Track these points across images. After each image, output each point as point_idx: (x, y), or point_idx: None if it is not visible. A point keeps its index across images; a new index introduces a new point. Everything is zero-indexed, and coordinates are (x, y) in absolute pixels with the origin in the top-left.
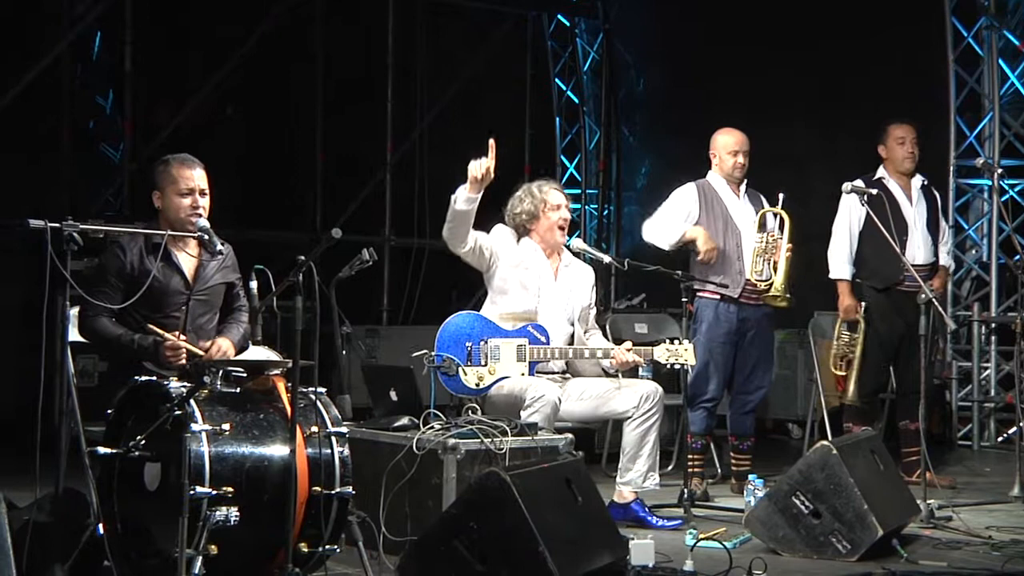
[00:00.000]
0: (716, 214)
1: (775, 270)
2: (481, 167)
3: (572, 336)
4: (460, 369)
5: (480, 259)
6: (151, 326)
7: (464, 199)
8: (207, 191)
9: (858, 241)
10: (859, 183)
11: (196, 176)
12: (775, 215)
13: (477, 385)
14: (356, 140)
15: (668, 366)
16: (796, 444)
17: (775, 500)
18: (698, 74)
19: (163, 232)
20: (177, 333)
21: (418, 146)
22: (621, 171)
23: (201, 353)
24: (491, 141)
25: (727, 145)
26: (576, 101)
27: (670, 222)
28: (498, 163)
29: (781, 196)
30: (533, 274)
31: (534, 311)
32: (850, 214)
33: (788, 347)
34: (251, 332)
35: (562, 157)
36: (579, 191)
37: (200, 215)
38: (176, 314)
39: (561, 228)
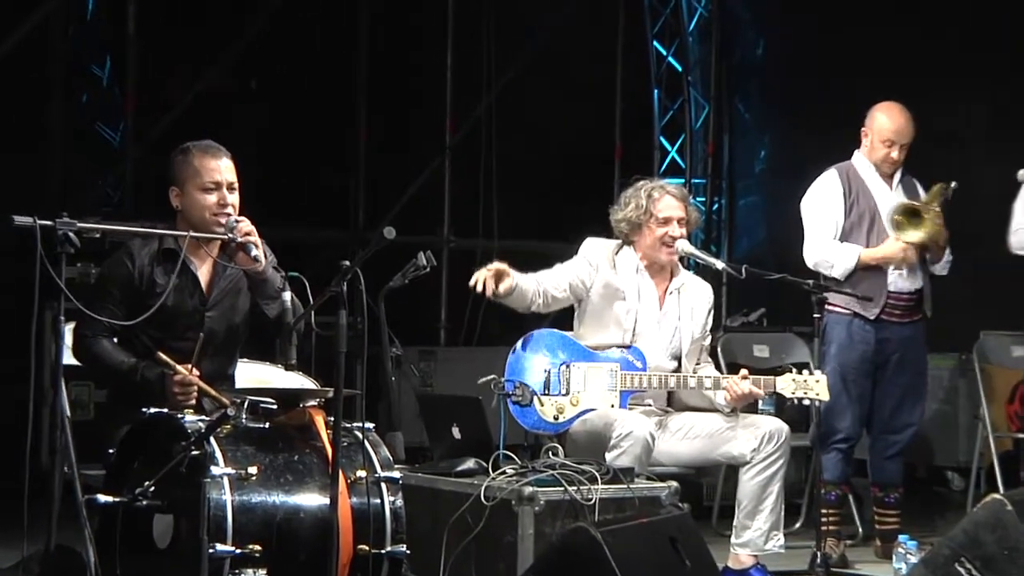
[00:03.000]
0: (862, 208)
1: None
2: (479, 281)
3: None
4: (536, 399)
5: (564, 301)
6: (161, 354)
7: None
8: (236, 185)
9: None
10: None
11: (223, 167)
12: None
13: (556, 419)
14: (407, 116)
15: (794, 401)
16: (957, 497)
17: (933, 568)
18: (833, 34)
19: (183, 233)
20: (190, 367)
21: (484, 124)
22: (735, 155)
23: (216, 395)
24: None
25: (883, 130)
26: (679, 69)
27: (831, 238)
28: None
29: (953, 186)
30: (630, 303)
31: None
32: None
33: (946, 375)
34: (284, 353)
35: (661, 138)
36: (682, 180)
37: (229, 214)
38: (190, 337)
39: (668, 245)
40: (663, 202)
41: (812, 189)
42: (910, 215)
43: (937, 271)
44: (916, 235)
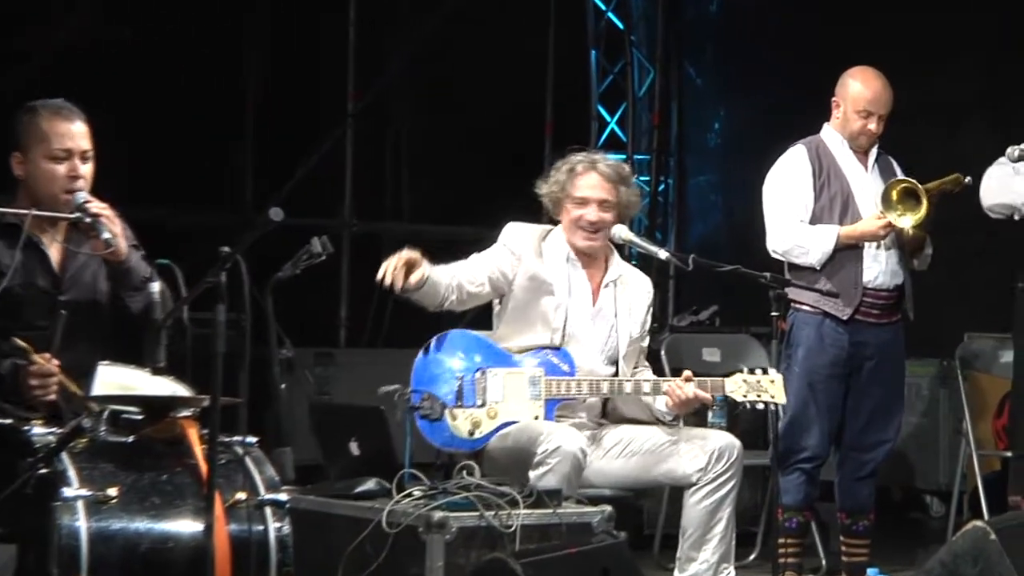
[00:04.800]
0: (833, 190)
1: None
2: (387, 273)
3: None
4: (448, 412)
5: (482, 296)
6: (17, 340)
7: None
8: (90, 154)
9: None
10: None
11: (76, 133)
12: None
13: (472, 434)
14: (303, 81)
15: (746, 406)
16: (937, 524)
17: None
18: None
19: (24, 212)
20: (48, 356)
21: (393, 89)
22: (685, 127)
23: (78, 392)
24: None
25: (858, 98)
26: (620, 27)
27: (802, 220)
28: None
29: (967, 181)
30: (559, 298)
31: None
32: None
33: (925, 384)
34: (151, 355)
35: (599, 107)
36: (624, 156)
37: (80, 188)
38: (42, 324)
39: (583, 230)
40: (584, 179)
41: (776, 167)
42: (906, 195)
43: (915, 266)
44: (907, 220)
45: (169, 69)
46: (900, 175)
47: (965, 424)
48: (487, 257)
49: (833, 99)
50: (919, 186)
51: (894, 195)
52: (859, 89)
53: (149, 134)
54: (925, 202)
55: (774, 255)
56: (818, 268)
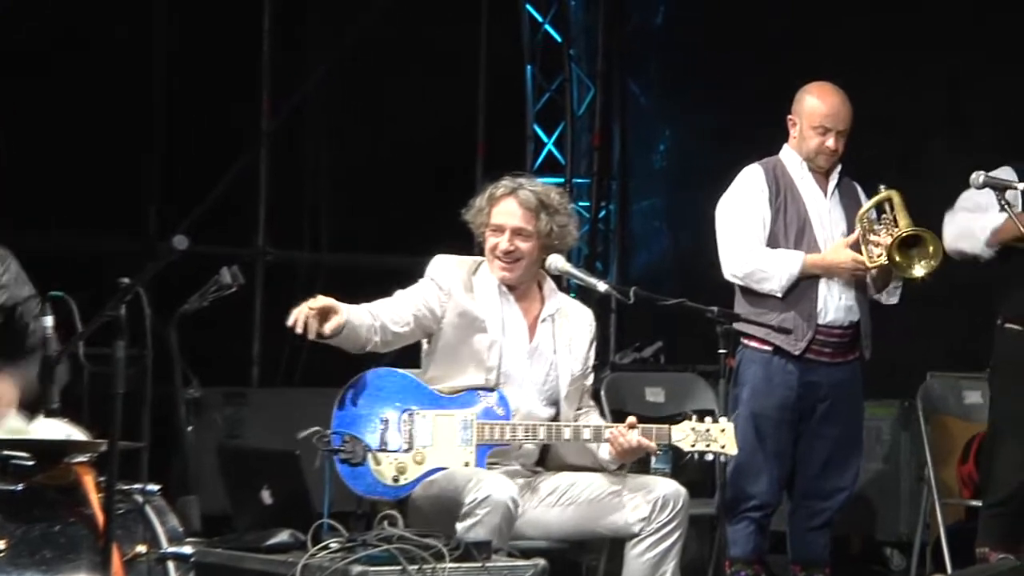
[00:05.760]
0: (790, 215)
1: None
2: (298, 322)
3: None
4: (371, 456)
5: (408, 336)
6: None
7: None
8: None
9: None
10: (1003, 173)
11: None
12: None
13: (396, 480)
14: (213, 97)
15: (694, 456)
16: None
17: None
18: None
19: None
20: None
21: (312, 106)
22: (628, 148)
23: None
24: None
25: (814, 114)
26: (558, 40)
27: (761, 243)
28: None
29: (882, 189)
30: (493, 335)
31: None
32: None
33: (885, 427)
34: (44, 395)
35: (535, 127)
36: (562, 179)
37: None
38: None
39: (499, 259)
40: (501, 206)
41: (732, 189)
42: (909, 246)
43: (884, 300)
44: (921, 269)
45: (65, 78)
46: (863, 202)
47: (927, 470)
48: (412, 294)
49: (789, 117)
50: (910, 229)
51: (899, 258)
52: (815, 104)
53: (45, 152)
54: (926, 237)
55: (732, 279)
56: (780, 296)
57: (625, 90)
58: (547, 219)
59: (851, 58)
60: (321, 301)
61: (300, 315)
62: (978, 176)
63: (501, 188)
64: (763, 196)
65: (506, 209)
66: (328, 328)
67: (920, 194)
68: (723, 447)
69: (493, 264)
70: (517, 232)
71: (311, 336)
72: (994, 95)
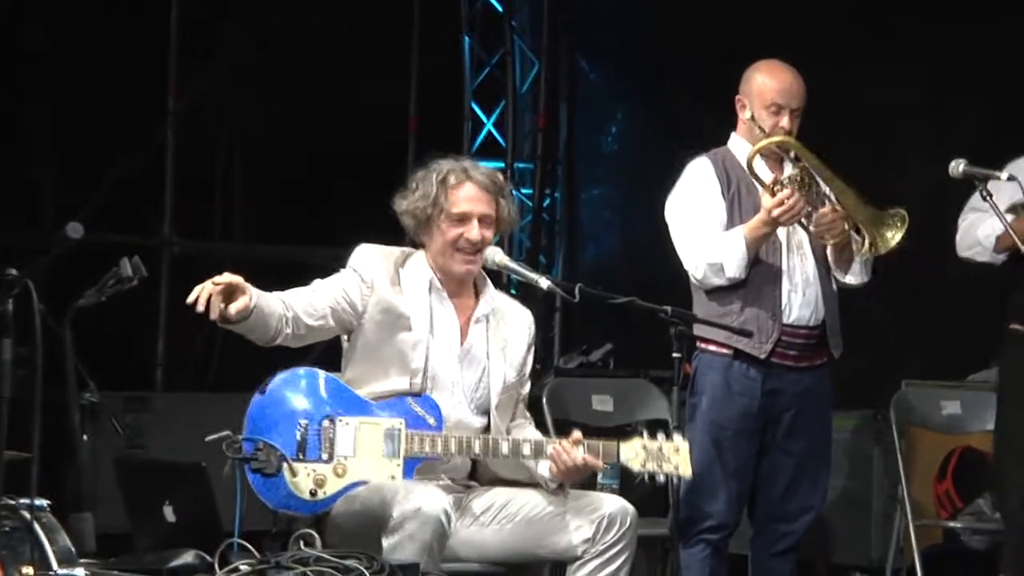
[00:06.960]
0: (745, 207)
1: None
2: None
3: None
4: (287, 466)
5: (324, 331)
6: None
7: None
8: None
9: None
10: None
11: None
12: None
13: (314, 494)
14: (113, 75)
15: (644, 477)
16: None
17: None
18: None
19: None
20: None
21: (222, 84)
22: (576, 130)
23: None
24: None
25: (765, 92)
26: (500, 9)
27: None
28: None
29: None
30: (419, 334)
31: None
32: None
33: (855, 440)
34: None
35: (474, 105)
36: (502, 163)
37: None
38: None
39: (463, 252)
40: (461, 191)
41: (680, 185)
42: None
43: (851, 280)
44: (897, 235)
45: None
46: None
47: (901, 488)
48: (332, 284)
49: (737, 98)
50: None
51: (870, 233)
52: (765, 81)
53: None
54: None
55: (698, 283)
56: (742, 277)
57: (574, 66)
58: (504, 203)
59: (820, 39)
60: (227, 277)
61: (203, 292)
62: (957, 164)
63: (452, 172)
64: (714, 188)
65: (467, 195)
66: (234, 309)
67: (896, 184)
68: (676, 468)
69: (453, 257)
70: (482, 219)
71: (213, 316)
72: (973, 83)
